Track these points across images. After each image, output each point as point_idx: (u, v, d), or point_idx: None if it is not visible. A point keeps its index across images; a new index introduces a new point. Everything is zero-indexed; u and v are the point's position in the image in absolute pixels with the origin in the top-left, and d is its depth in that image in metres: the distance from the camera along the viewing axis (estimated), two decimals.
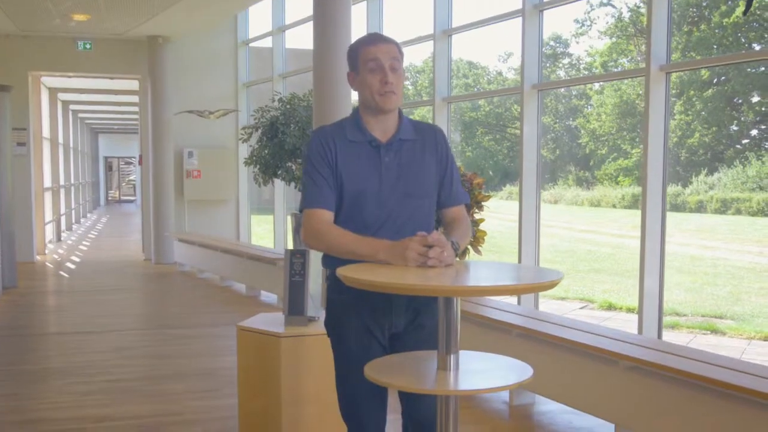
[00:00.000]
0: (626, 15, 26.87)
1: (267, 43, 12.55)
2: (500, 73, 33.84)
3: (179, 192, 12.48)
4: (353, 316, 2.70)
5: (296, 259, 3.88)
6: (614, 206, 25.96)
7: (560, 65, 31.69)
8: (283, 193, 11.52)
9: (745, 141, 24.23)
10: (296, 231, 8.97)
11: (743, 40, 22.80)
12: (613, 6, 27.45)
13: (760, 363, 4.32)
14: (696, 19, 24.45)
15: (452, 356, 2.40)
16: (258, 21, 12.89)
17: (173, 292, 10.09)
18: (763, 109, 23.70)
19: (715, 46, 23.99)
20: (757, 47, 23.49)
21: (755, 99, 23.79)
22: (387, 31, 11.79)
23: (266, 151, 8.77)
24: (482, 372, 2.44)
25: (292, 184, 8.71)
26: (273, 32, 11.74)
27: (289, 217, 9.23)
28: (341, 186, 2.67)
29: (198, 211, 12.73)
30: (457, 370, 2.39)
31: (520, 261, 7.04)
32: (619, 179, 27.91)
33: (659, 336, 5.81)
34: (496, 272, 2.57)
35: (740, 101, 23.48)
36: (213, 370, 6.02)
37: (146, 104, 12.45)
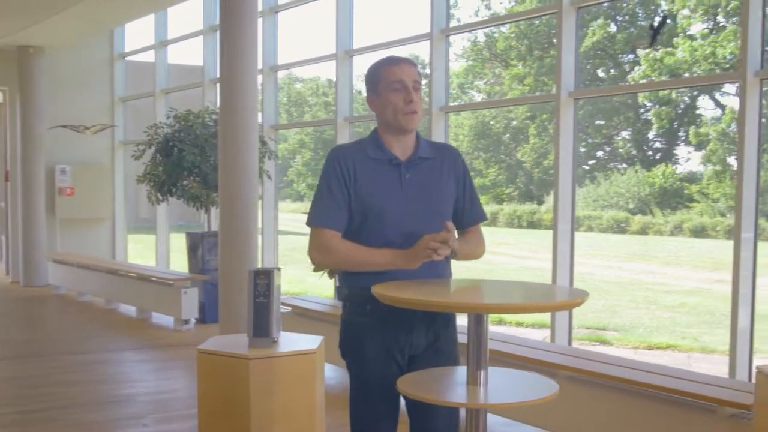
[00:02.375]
0: (481, 39, 27.96)
1: (144, 57, 12.19)
2: (360, 92, 34.30)
3: (50, 210, 11.85)
4: (376, 339, 2.71)
5: (260, 280, 3.82)
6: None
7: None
8: (166, 211, 11.18)
9: (591, 162, 25.77)
10: (191, 250, 8.79)
11: (588, 67, 24.33)
12: (469, 30, 28.40)
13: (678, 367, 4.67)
14: (546, 45, 25.83)
15: (482, 372, 2.49)
16: (135, 34, 12.52)
17: (55, 316, 9.57)
18: (604, 131, 25.29)
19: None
20: (601, 74, 25.12)
21: (599, 122, 25.37)
22: (286, 49, 11.73)
23: (160, 169, 8.54)
24: (510, 387, 2.54)
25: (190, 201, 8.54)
26: (155, 46, 11.42)
27: (185, 236, 9.00)
28: (362, 204, 2.70)
29: (70, 231, 12.13)
30: (486, 385, 2.49)
31: None
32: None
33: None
34: (520, 290, 2.69)
35: (587, 125, 24.95)
36: (131, 396, 5.80)
37: (15, 117, 11.76)
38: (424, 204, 2.73)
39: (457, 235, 2.89)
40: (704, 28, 20.81)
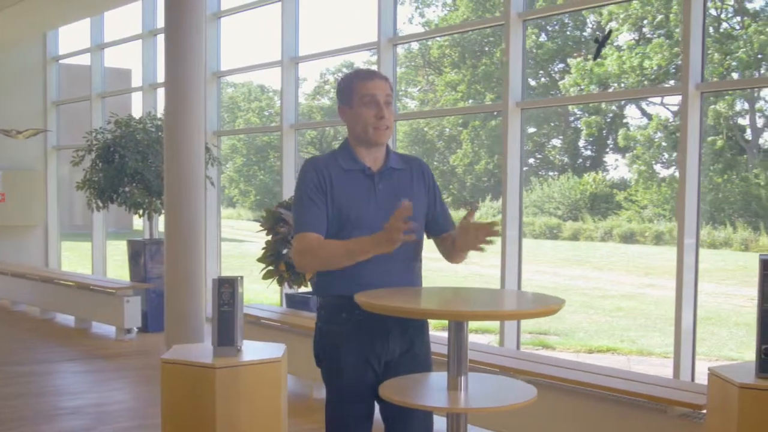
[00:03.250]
0: (415, 47, 28.19)
1: (79, 60, 11.93)
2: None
3: None
4: (353, 347, 2.75)
5: (225, 289, 3.82)
6: None
7: None
8: (103, 218, 10.96)
9: (524, 168, 26.25)
10: (133, 257, 8.64)
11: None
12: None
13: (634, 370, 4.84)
14: (478, 53, 26.26)
15: (462, 377, 2.56)
16: (68, 36, 12.24)
17: None
18: (535, 139, 25.80)
19: (494, 80, 25.84)
20: (532, 82, 25.60)
21: (531, 130, 25.87)
22: (231, 55, 11.61)
23: (101, 175, 8.39)
24: (489, 392, 2.61)
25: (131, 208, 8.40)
26: (91, 49, 11.20)
27: (125, 243, 8.85)
28: (339, 213, 2.74)
29: (1, 238, 11.77)
30: (467, 390, 2.56)
31: None
32: None
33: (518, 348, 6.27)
34: (502, 298, 2.76)
35: None
36: (78, 408, 5.68)
37: None
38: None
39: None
40: (631, 40, 21.47)
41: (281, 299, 7.95)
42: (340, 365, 2.77)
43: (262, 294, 13.03)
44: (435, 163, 28.10)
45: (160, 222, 8.69)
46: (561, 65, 24.70)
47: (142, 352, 7.61)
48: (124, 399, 6.16)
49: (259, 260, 6.85)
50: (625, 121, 22.70)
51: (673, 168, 20.94)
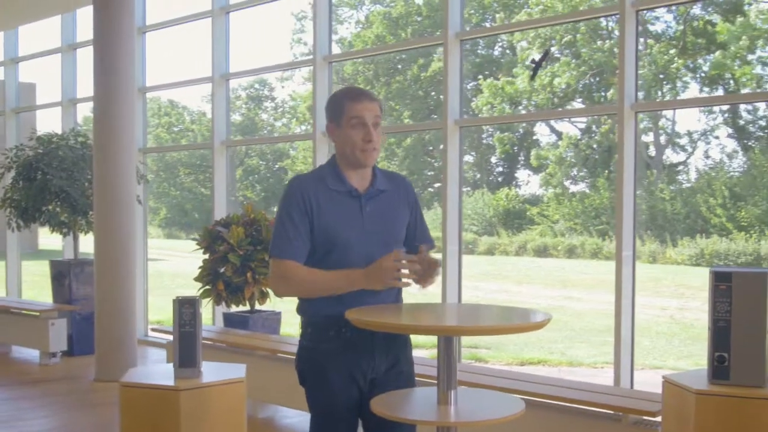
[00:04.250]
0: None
1: None
2: (204, 114, 33.58)
3: None
4: (340, 364, 2.76)
5: (186, 309, 3.76)
6: None
7: (264, 107, 32.45)
8: (17, 237, 10.54)
9: (437, 185, 26.62)
10: (56, 278, 8.32)
11: (432, 93, 25.22)
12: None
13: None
14: (392, 71, 26.54)
15: (452, 391, 2.61)
16: None
17: None
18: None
19: (408, 97, 26.19)
20: None
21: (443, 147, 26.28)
22: (156, 70, 11.40)
23: (23, 193, 8.09)
24: (478, 406, 2.67)
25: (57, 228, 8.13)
26: (5, 63, 10.81)
27: (48, 263, 8.54)
28: (326, 235, 2.74)
29: None
30: (456, 404, 2.60)
31: None
32: None
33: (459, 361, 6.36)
34: (483, 312, 2.82)
35: (431, 149, 25.80)
36: None
37: None
38: (384, 234, 2.82)
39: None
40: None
41: (213, 318, 7.83)
42: (327, 383, 2.77)
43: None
44: None
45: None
46: (473, 83, 25.23)
47: (69, 376, 7.35)
48: (53, 427, 5.94)
49: (196, 279, 6.74)
50: (535, 138, 23.32)
51: (582, 183, 21.66)
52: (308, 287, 2.74)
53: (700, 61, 20.02)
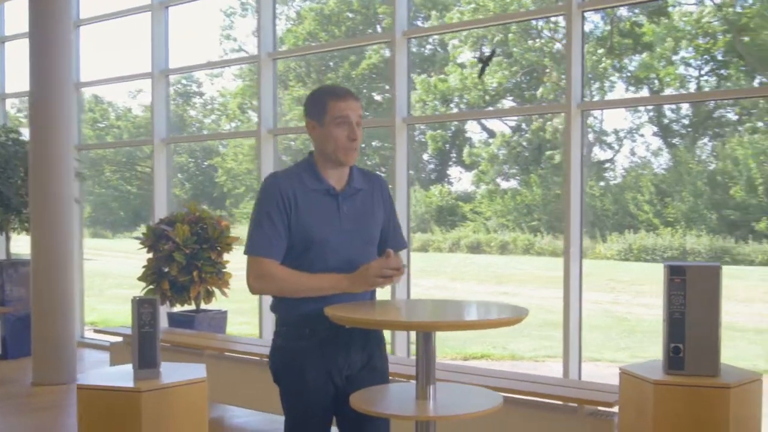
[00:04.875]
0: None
1: None
2: (130, 110, 32.86)
3: None
4: (317, 362, 2.75)
5: (144, 309, 3.70)
6: None
7: (192, 104, 31.93)
8: None
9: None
10: None
11: (364, 90, 25.24)
12: (246, 51, 28.37)
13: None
14: (323, 69, 26.45)
15: (431, 386, 2.63)
16: None
17: None
18: (381, 153, 26.29)
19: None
20: (377, 97, 26.09)
21: (375, 144, 26.36)
22: (92, 65, 11.09)
23: None
24: (457, 400, 2.69)
25: None
26: None
27: None
28: (303, 234, 2.73)
29: None
30: (435, 399, 2.63)
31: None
32: None
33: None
34: (462, 308, 2.85)
35: (364, 146, 25.82)
36: None
37: None
38: (361, 233, 2.83)
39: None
40: (473, 58, 22.38)
41: None
42: (304, 381, 2.76)
43: (113, 314, 12.55)
44: None
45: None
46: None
47: (4, 380, 7.11)
48: None
49: (140, 279, 6.61)
50: (467, 135, 23.58)
51: (513, 180, 21.99)
52: (288, 287, 2.73)
53: (626, 61, 20.56)
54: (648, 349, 9.54)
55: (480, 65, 5.72)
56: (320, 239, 2.73)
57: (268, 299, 6.62)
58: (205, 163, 30.52)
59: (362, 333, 2.80)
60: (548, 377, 4.82)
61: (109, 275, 18.80)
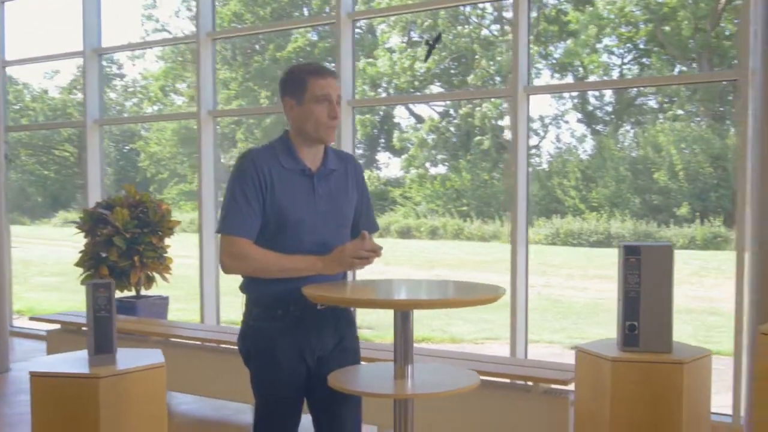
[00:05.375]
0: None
1: None
2: (46, 91, 31.76)
3: None
4: (289, 343, 2.73)
5: (100, 293, 3.59)
6: (185, 230, 26.33)
7: (113, 86, 31.09)
8: None
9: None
10: None
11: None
12: (169, 32, 27.78)
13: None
14: (249, 51, 26.09)
15: (409, 366, 2.64)
16: None
17: None
18: None
19: (267, 78, 25.83)
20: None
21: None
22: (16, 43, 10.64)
23: None
24: (434, 379, 2.71)
25: None
26: None
27: None
28: (279, 214, 2.69)
29: None
30: (413, 378, 2.64)
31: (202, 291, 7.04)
32: (181, 204, 28.23)
33: None
34: (444, 288, 2.86)
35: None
36: None
37: None
38: (335, 214, 2.80)
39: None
40: (402, 43, 22.44)
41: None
42: (277, 362, 2.73)
43: (38, 303, 12.17)
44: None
45: None
46: (333, 65, 25.21)
47: None
48: None
49: (77, 264, 6.42)
50: (396, 120, 23.65)
51: (442, 166, 22.18)
52: (262, 267, 2.68)
53: (552, 48, 20.94)
54: (584, 330, 9.79)
55: (427, 48, 5.70)
56: (295, 219, 2.70)
57: (209, 284, 6.57)
58: (127, 147, 29.78)
59: (334, 314, 2.79)
60: (500, 357, 4.89)
61: (31, 263, 18.22)
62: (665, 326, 3.55)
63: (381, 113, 24.07)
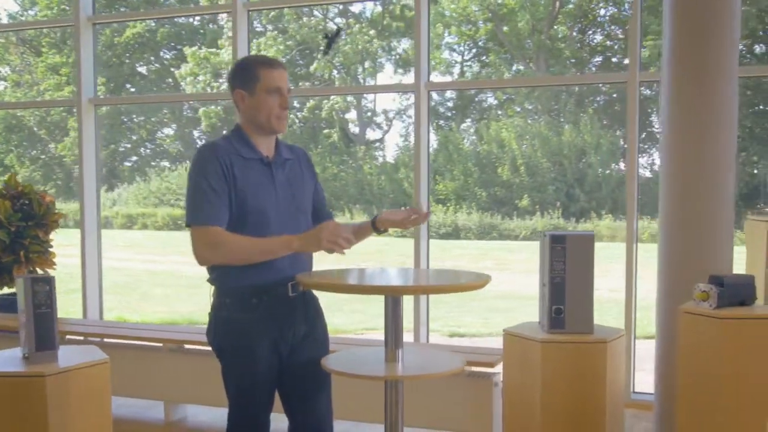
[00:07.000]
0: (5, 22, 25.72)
1: None
2: None
3: None
4: (263, 332, 2.76)
5: (40, 288, 3.42)
6: (67, 226, 24.64)
7: None
8: None
9: (134, 158, 25.57)
10: None
11: (128, 61, 24.16)
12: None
13: None
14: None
15: (399, 349, 2.76)
16: None
17: None
18: (148, 127, 25.30)
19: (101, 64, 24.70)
20: (141, 69, 25.00)
21: (140, 119, 25.29)
22: None
23: None
24: (422, 362, 2.85)
25: None
26: None
27: None
28: (242, 202, 2.71)
29: None
30: (403, 361, 2.77)
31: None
32: None
33: None
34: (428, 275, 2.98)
35: (127, 120, 24.77)
36: None
37: None
38: (295, 202, 2.86)
39: None
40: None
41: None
42: (252, 352, 2.75)
43: None
44: (34, 153, 25.99)
45: None
46: (174, 53, 24.52)
47: None
48: None
49: None
50: None
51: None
52: (240, 252, 2.68)
53: (395, 43, 21.46)
54: (459, 318, 10.16)
55: (326, 42, 5.73)
56: (258, 208, 2.72)
57: (92, 279, 6.33)
58: None
59: (304, 304, 2.85)
60: (423, 344, 5.07)
61: None
62: (587, 309, 3.85)
63: (222, 105, 23.66)
